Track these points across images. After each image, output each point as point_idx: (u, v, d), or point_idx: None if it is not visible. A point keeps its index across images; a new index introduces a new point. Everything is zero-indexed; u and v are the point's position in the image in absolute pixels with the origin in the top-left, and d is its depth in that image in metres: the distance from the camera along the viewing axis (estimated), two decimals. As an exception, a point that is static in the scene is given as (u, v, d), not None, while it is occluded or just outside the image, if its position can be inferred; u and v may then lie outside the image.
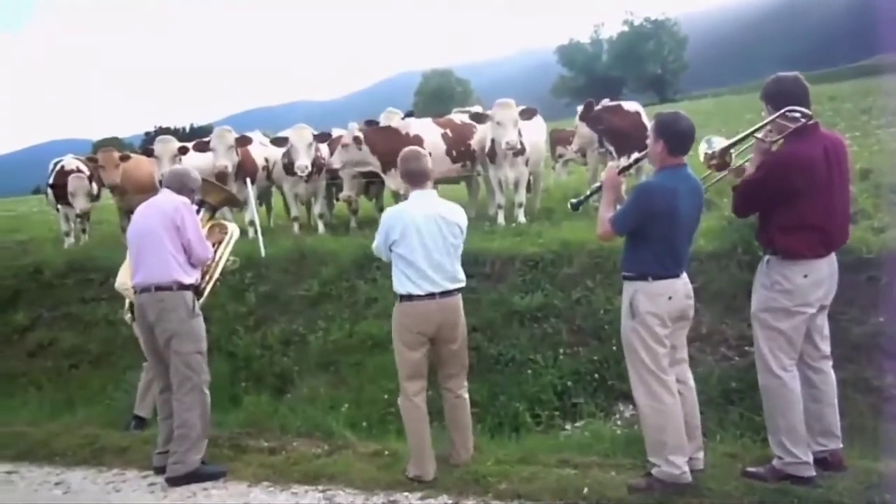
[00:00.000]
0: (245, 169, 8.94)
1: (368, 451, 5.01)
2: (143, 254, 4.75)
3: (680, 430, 3.96)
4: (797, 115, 3.86)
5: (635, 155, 4.65)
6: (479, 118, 8.23)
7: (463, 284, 4.58)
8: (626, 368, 4.23)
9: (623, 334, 4.10)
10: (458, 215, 4.56)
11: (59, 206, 10.21)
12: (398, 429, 5.31)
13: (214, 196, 5.51)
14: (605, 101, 8.72)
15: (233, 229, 5.62)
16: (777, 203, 3.92)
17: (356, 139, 8.13)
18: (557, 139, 12.91)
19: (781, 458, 3.95)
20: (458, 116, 9.41)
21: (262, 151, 9.62)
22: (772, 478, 3.96)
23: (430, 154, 8.32)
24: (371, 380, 6.14)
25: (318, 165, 8.83)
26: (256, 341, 6.99)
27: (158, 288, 4.68)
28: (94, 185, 10.00)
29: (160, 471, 4.86)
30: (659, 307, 3.93)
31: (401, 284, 4.45)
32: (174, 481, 4.71)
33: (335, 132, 9.36)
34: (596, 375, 5.71)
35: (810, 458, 3.93)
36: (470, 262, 6.78)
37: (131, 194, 9.46)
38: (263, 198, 10.45)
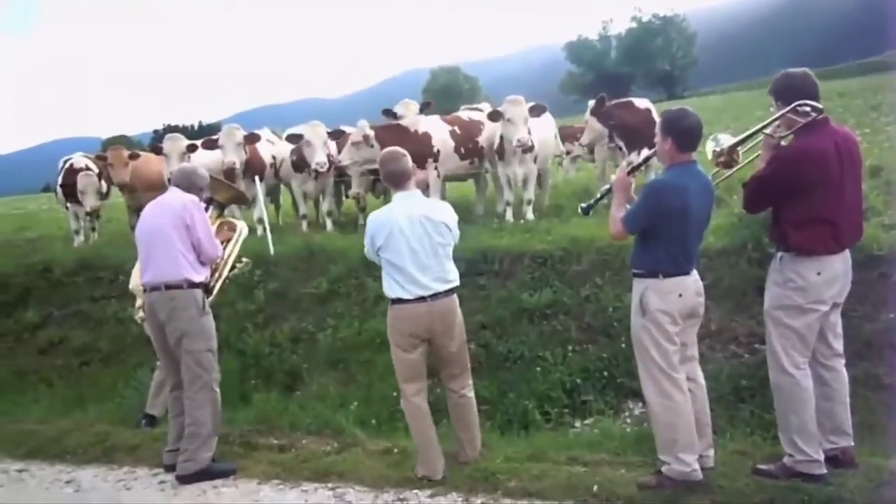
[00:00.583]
0: (253, 166, 8.97)
1: (378, 449, 5.01)
2: (153, 252, 4.76)
3: (690, 427, 3.95)
4: (807, 109, 3.83)
5: (645, 153, 4.64)
6: (494, 116, 8.18)
7: (455, 284, 4.49)
8: (635, 366, 4.22)
9: (633, 332, 4.08)
10: (445, 214, 4.48)
11: (69, 205, 10.27)
12: (407, 426, 5.32)
13: (223, 194, 5.52)
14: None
15: (241, 227, 5.63)
16: (788, 197, 3.89)
17: (366, 137, 8.12)
18: (565, 136, 12.88)
19: (792, 455, 3.94)
20: (466, 113, 9.41)
21: (270, 149, 9.64)
22: (783, 475, 3.94)
23: (439, 151, 8.41)
24: (380, 377, 6.14)
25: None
26: (266, 339, 7.01)
27: (168, 286, 4.69)
28: (104, 184, 10.05)
29: (171, 468, 4.87)
30: (669, 304, 3.91)
31: (390, 288, 4.42)
32: (185, 479, 4.72)
33: (346, 130, 9.38)
34: (605, 373, 5.70)
35: (821, 456, 3.92)
36: (478, 259, 6.81)
37: (140, 192, 9.51)
38: (272, 195, 10.46)
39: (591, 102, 8.82)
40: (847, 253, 3.98)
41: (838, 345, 4.06)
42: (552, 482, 4.24)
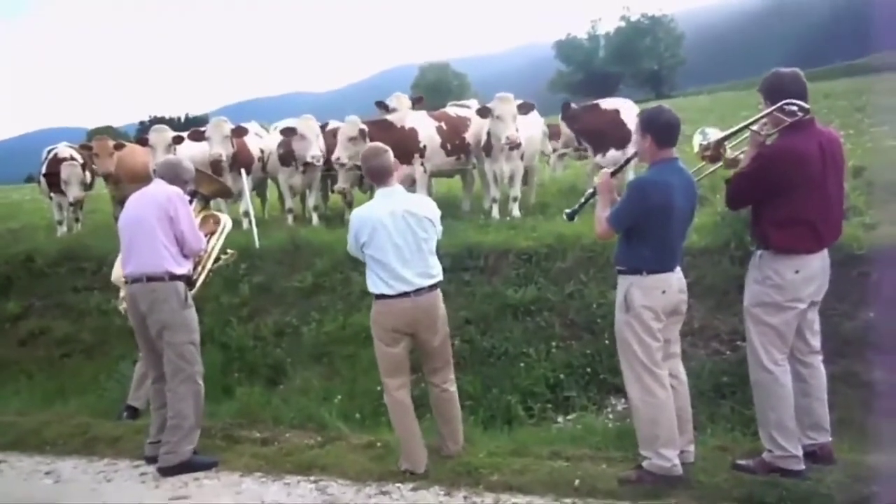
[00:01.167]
0: (241, 160, 8.93)
1: (361, 443, 5.01)
2: (135, 244, 4.73)
3: (672, 423, 3.99)
4: (794, 108, 3.86)
5: (627, 154, 4.69)
6: (483, 112, 8.17)
7: (438, 280, 4.50)
8: (618, 362, 4.25)
9: (617, 328, 4.11)
10: (428, 209, 4.48)
11: (52, 195, 10.18)
12: (390, 421, 5.33)
13: (207, 187, 5.50)
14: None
15: (225, 220, 5.61)
16: (770, 196, 3.92)
17: (361, 131, 8.09)
18: (552, 134, 12.95)
19: (771, 451, 3.98)
20: (453, 109, 9.41)
21: (258, 142, 9.60)
22: (761, 470, 3.99)
23: (426, 147, 8.41)
24: (364, 372, 6.14)
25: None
26: (250, 332, 6.99)
27: (150, 278, 4.66)
28: (88, 174, 9.97)
29: (152, 460, 4.85)
30: (653, 301, 3.94)
31: (374, 285, 4.42)
32: (166, 471, 4.71)
33: (332, 124, 9.35)
34: (588, 369, 5.74)
35: (800, 452, 3.96)
36: (464, 255, 6.82)
37: (125, 183, 9.43)
38: (259, 189, 10.42)
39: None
40: (825, 252, 4.02)
41: (816, 342, 4.11)
42: (534, 477, 4.27)
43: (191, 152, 8.60)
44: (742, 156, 4.12)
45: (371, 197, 9.52)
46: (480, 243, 6.99)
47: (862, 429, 4.58)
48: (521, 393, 5.66)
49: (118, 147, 9.68)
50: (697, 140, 4.11)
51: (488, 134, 8.27)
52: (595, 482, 4.12)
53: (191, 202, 5.04)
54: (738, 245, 5.95)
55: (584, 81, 60.75)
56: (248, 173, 8.83)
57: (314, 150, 8.47)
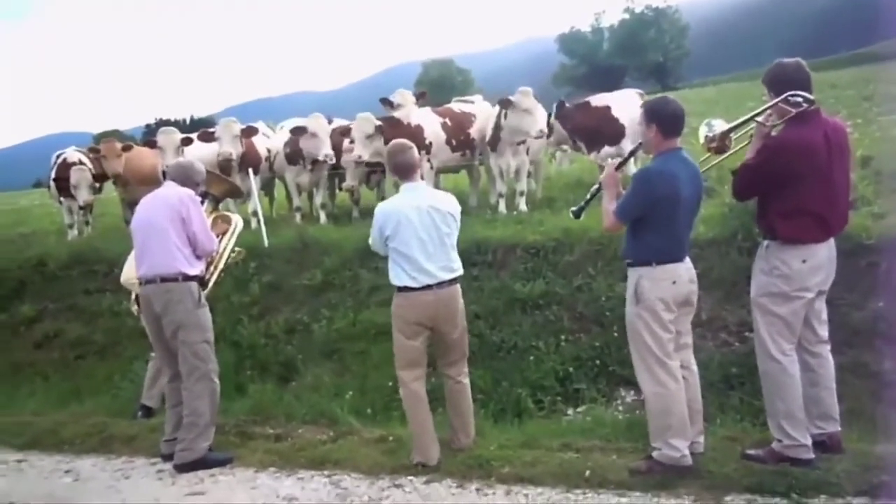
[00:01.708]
0: (249, 160, 9.00)
1: (373, 437, 5.07)
2: (148, 245, 4.79)
3: (683, 414, 4.01)
4: (799, 99, 3.87)
5: (622, 149, 4.71)
6: (505, 104, 8.06)
7: (459, 273, 4.59)
8: (627, 354, 4.28)
9: (628, 320, 4.13)
10: (451, 204, 4.57)
11: (62, 199, 10.27)
12: (402, 415, 5.37)
13: (218, 187, 5.55)
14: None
15: (236, 220, 5.67)
16: (777, 187, 3.94)
17: (379, 128, 8.13)
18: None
19: (780, 440, 4.00)
20: (458, 105, 9.44)
21: (265, 142, 9.67)
22: (771, 460, 4.01)
23: (431, 143, 8.44)
24: (375, 367, 6.21)
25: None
26: (261, 330, 7.06)
27: (164, 279, 4.72)
28: (94, 180, 10.03)
29: (168, 458, 4.93)
30: (664, 292, 3.96)
31: (397, 278, 4.48)
32: (182, 468, 4.78)
33: (336, 122, 9.41)
34: (597, 361, 5.77)
35: (809, 441, 3.98)
36: (472, 250, 6.86)
37: (134, 186, 9.51)
38: (266, 188, 10.49)
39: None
40: (832, 241, 4.03)
41: (823, 331, 4.12)
42: (545, 468, 4.31)
43: (199, 153, 8.67)
44: (748, 148, 4.14)
45: (378, 194, 9.63)
46: (488, 238, 7.03)
47: (871, 418, 4.60)
48: (531, 386, 5.70)
49: (126, 149, 9.76)
50: (703, 132, 4.13)
51: (494, 129, 8.29)
52: (605, 473, 4.16)
53: (202, 203, 5.09)
54: (746, 236, 5.96)
55: (588, 75, 60.55)
56: (255, 173, 8.90)
57: (327, 148, 8.54)
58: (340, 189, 10.59)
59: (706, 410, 4.49)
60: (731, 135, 4.14)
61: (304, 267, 7.60)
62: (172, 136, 8.93)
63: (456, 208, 4.58)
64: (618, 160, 4.59)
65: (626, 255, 4.18)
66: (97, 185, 10.21)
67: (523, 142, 8.19)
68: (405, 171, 4.56)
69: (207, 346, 4.87)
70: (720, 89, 29.91)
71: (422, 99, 8.96)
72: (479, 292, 6.54)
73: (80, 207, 10.03)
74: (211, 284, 5.28)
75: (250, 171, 8.77)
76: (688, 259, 4.11)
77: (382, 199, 9.72)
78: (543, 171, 10.01)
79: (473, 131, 8.91)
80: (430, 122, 8.59)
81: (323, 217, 9.18)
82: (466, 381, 4.77)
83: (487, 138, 8.47)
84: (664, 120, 4.02)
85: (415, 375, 4.57)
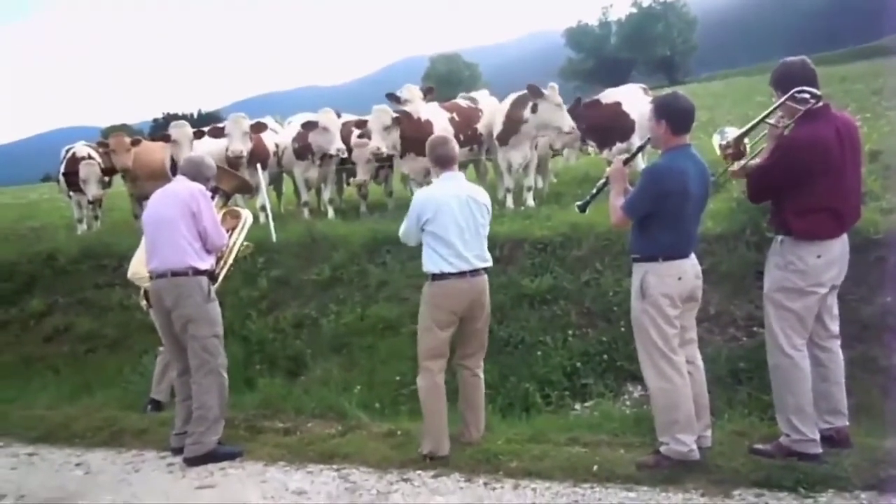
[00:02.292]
0: (257, 155, 9.01)
1: (381, 431, 5.10)
2: (159, 240, 4.83)
3: (689, 409, 4.02)
4: (806, 96, 3.87)
5: (632, 144, 4.71)
6: (536, 92, 7.96)
7: (490, 264, 4.69)
8: (634, 349, 4.29)
9: (633, 316, 4.15)
10: (486, 197, 4.71)
11: (72, 194, 10.34)
12: (410, 409, 5.41)
13: (228, 183, 5.58)
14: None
15: (246, 215, 5.69)
16: (791, 186, 3.93)
17: (396, 120, 8.14)
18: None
19: (789, 435, 4.01)
20: (464, 101, 9.44)
21: (272, 137, 9.68)
22: (779, 454, 4.02)
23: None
24: (383, 362, 6.24)
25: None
26: (269, 325, 7.09)
27: (174, 273, 4.76)
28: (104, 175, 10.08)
29: (178, 451, 4.96)
30: (669, 287, 3.98)
31: (433, 263, 4.53)
32: (192, 461, 4.81)
33: (344, 117, 9.43)
34: (605, 356, 5.78)
35: (817, 436, 3.98)
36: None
37: (143, 180, 9.57)
38: (274, 183, 10.51)
39: None
40: (845, 236, 4.03)
41: (834, 326, 4.13)
42: (553, 463, 4.33)
43: (207, 149, 8.70)
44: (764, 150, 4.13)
45: (385, 188, 9.62)
46: (495, 233, 6.99)
47: (879, 413, 4.61)
48: (539, 381, 5.72)
49: (135, 143, 9.81)
50: (717, 141, 4.14)
51: (503, 123, 8.28)
52: (613, 467, 4.18)
53: (212, 198, 5.12)
54: (754, 231, 5.96)
55: (595, 69, 60.42)
56: (264, 168, 8.91)
57: (338, 142, 8.56)
58: (348, 184, 10.63)
59: (714, 405, 4.51)
60: (745, 139, 4.13)
61: (312, 262, 7.62)
62: (186, 130, 8.94)
63: (489, 202, 4.72)
64: (625, 155, 4.60)
65: (632, 250, 4.19)
66: (106, 179, 10.26)
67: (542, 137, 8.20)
68: (446, 162, 4.66)
69: (217, 341, 4.90)
70: (728, 83, 29.78)
71: (429, 94, 8.96)
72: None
73: (90, 202, 10.08)
74: (221, 279, 5.31)
75: (258, 166, 8.79)
76: (693, 255, 4.11)
77: (390, 193, 9.77)
78: (551, 166, 9.98)
79: (481, 126, 8.91)
80: (439, 117, 8.59)
81: (331, 212, 9.20)
82: (482, 374, 4.83)
83: (496, 133, 8.45)
84: (674, 116, 4.02)
85: (440, 366, 4.62)
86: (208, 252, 4.91)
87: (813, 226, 3.92)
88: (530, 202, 8.29)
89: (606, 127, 8.62)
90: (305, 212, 9.34)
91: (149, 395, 6.07)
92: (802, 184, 3.90)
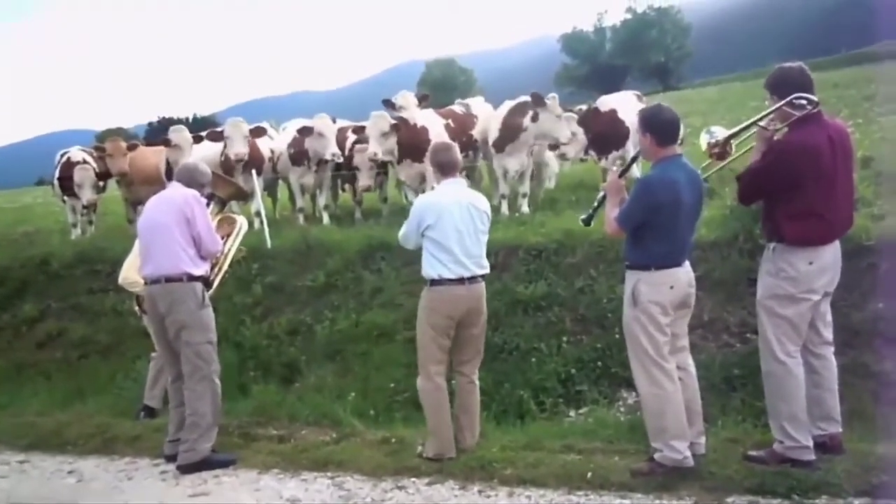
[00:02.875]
0: (252, 160, 8.99)
1: (376, 439, 5.09)
2: (154, 246, 4.83)
3: (680, 415, 4.03)
4: (803, 102, 3.89)
5: (629, 153, 4.75)
6: (538, 101, 8.00)
7: (488, 271, 4.75)
8: (628, 356, 4.30)
9: (625, 322, 4.17)
10: (486, 204, 4.76)
11: (66, 198, 10.29)
12: (405, 416, 5.41)
13: (223, 189, 5.58)
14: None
15: (241, 222, 5.69)
16: (782, 190, 3.96)
17: (394, 126, 8.14)
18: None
19: (782, 442, 4.02)
20: (459, 107, 9.45)
21: (267, 143, 9.67)
22: (772, 461, 4.03)
23: (434, 145, 8.44)
24: (377, 369, 6.22)
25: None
26: (263, 331, 7.07)
27: (168, 279, 4.76)
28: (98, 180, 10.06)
29: (171, 459, 4.95)
30: (660, 296, 4.00)
31: (432, 268, 4.57)
32: (186, 469, 4.80)
33: (339, 122, 9.43)
34: (599, 363, 5.78)
35: (810, 443, 4.00)
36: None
37: (137, 185, 9.54)
38: (269, 189, 10.50)
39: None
40: (837, 243, 4.06)
41: (828, 333, 4.15)
42: (547, 470, 4.33)
43: (203, 153, 8.71)
44: (751, 152, 4.16)
45: (380, 195, 9.61)
46: (491, 240, 6.93)
47: (871, 419, 4.62)
48: (533, 388, 5.72)
49: (131, 147, 9.79)
50: (705, 139, 4.17)
51: (500, 130, 8.29)
52: (607, 474, 4.19)
53: (207, 205, 5.12)
54: (747, 238, 5.98)
55: (590, 75, 60.49)
56: (259, 174, 8.90)
57: (333, 147, 8.57)
58: (343, 190, 10.62)
59: (707, 411, 4.52)
60: (733, 140, 4.16)
61: (306, 268, 7.61)
62: (186, 134, 9.01)
63: (489, 208, 4.78)
64: (620, 168, 4.63)
65: (626, 258, 4.23)
66: (101, 184, 10.23)
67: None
68: (448, 168, 4.72)
69: (210, 347, 4.89)
70: (722, 89, 29.87)
71: (424, 101, 8.97)
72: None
73: (84, 207, 10.04)
74: (216, 285, 5.30)
75: (253, 171, 8.78)
76: (687, 263, 4.13)
77: (384, 199, 9.77)
78: (546, 172, 9.98)
79: (476, 132, 8.92)
80: (434, 124, 8.59)
81: (326, 218, 9.19)
82: (478, 381, 4.86)
83: (491, 140, 8.46)
84: (658, 128, 4.06)
85: (440, 369, 4.66)
86: (203, 258, 4.91)
87: (804, 232, 3.94)
88: (525, 209, 8.30)
89: (604, 134, 8.64)
90: (300, 218, 9.33)
91: (142, 402, 6.04)
92: (794, 188, 3.91)
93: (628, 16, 64.12)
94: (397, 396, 5.85)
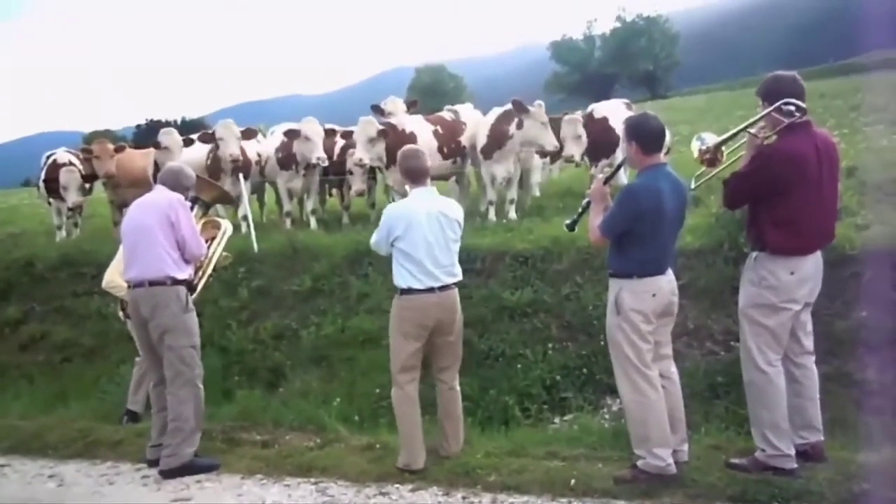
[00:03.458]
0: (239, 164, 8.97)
1: (360, 445, 5.08)
2: (137, 249, 4.79)
3: (663, 423, 4.05)
4: (791, 108, 3.91)
5: (617, 161, 4.76)
6: (520, 108, 8.00)
7: (460, 279, 4.71)
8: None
9: (608, 330, 4.19)
10: (458, 212, 4.70)
11: (52, 200, 10.21)
12: (389, 422, 5.38)
13: (208, 193, 5.56)
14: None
15: (226, 226, 5.67)
16: (767, 197, 3.98)
17: (382, 132, 8.13)
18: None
19: (764, 450, 4.04)
20: (448, 113, 9.46)
21: (255, 146, 9.65)
22: (755, 469, 4.05)
23: (424, 151, 8.44)
24: (363, 374, 6.21)
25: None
26: (249, 336, 7.04)
27: (152, 283, 4.73)
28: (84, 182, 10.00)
29: (154, 463, 4.91)
30: (643, 304, 4.01)
31: (402, 279, 4.55)
32: (168, 474, 4.76)
33: (328, 126, 9.42)
34: (584, 370, 5.80)
35: (792, 451, 4.03)
36: (461, 257, 6.76)
37: (124, 188, 9.49)
38: (256, 193, 10.47)
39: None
40: (819, 253, 4.09)
41: (809, 342, 4.18)
42: (531, 476, 4.34)
43: (190, 156, 8.69)
44: (741, 159, 4.19)
45: (368, 199, 9.58)
46: (477, 246, 7.04)
47: (853, 427, 4.65)
48: (518, 394, 5.72)
49: (119, 150, 9.72)
50: (696, 146, 4.18)
51: (487, 137, 8.32)
52: (591, 482, 4.19)
53: (192, 208, 5.10)
54: (732, 246, 6.02)
55: (579, 82, 60.72)
56: (246, 178, 8.88)
57: (319, 151, 8.57)
58: (331, 195, 10.61)
59: (691, 419, 4.55)
60: (724, 147, 4.19)
61: (293, 272, 7.59)
62: (176, 137, 9.03)
63: (461, 216, 4.72)
64: (605, 174, 4.64)
65: (609, 266, 4.23)
66: (87, 186, 10.16)
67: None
68: (417, 176, 4.67)
69: (193, 351, 4.87)
70: (710, 98, 30.11)
71: (413, 107, 8.97)
72: (468, 300, 6.52)
73: (69, 209, 9.97)
74: (199, 289, 5.28)
75: (241, 175, 8.75)
76: (670, 271, 4.15)
77: (372, 204, 9.76)
78: (534, 179, 10.00)
79: (464, 139, 8.94)
80: (423, 130, 8.60)
81: (313, 222, 9.18)
82: (458, 387, 4.83)
83: (479, 146, 8.48)
84: (643, 137, 4.08)
85: (410, 378, 4.62)
86: (186, 262, 4.89)
87: (786, 241, 3.96)
88: (512, 215, 8.32)
89: (597, 142, 8.67)
90: (288, 222, 9.31)
91: (125, 406, 6.00)
92: (778, 195, 3.93)
93: (617, 24, 64.48)
94: (382, 402, 5.82)
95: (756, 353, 4.05)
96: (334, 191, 10.50)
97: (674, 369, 4.30)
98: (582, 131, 8.40)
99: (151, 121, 53.60)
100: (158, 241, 4.72)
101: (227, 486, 4.64)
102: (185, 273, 4.85)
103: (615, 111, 9.00)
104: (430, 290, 4.51)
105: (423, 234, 4.48)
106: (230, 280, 7.50)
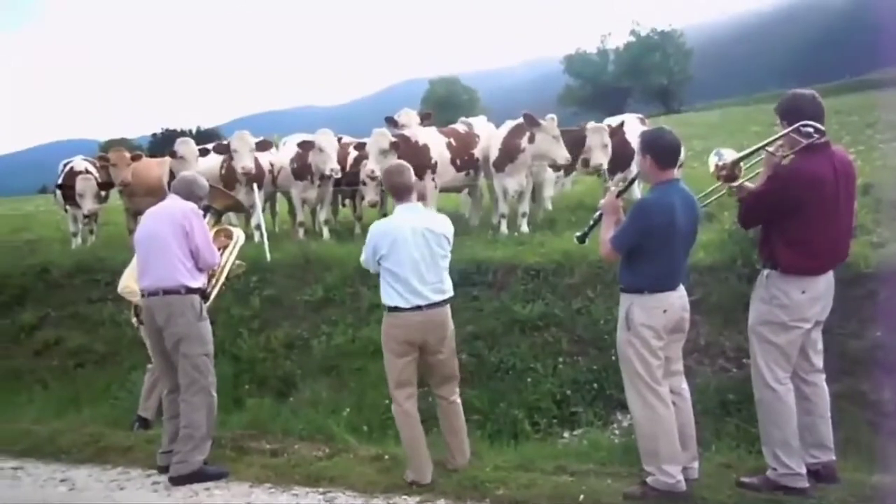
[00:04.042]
0: (253, 174, 9.04)
1: (369, 455, 5.08)
2: (151, 258, 4.85)
3: (673, 439, 4.03)
4: (810, 129, 3.90)
5: (630, 175, 4.75)
6: (531, 122, 8.06)
7: (449, 295, 4.64)
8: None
9: (619, 345, 4.18)
10: (446, 226, 4.64)
11: (68, 207, 10.32)
12: (398, 434, 5.38)
13: (220, 202, 5.62)
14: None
15: (238, 234, 5.72)
16: (783, 216, 3.97)
17: (394, 144, 8.18)
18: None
19: (775, 469, 4.02)
20: (461, 126, 9.50)
21: (268, 157, 9.72)
22: (765, 488, 4.02)
23: (437, 163, 8.49)
24: (372, 385, 6.21)
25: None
26: (260, 345, 7.07)
27: (166, 292, 4.77)
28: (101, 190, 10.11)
29: (164, 470, 4.94)
30: (654, 320, 4.00)
31: (388, 297, 4.54)
32: (177, 480, 4.79)
33: (344, 139, 9.49)
34: (595, 385, 5.78)
35: (804, 470, 4.00)
36: (472, 270, 6.89)
37: (140, 196, 9.57)
38: (269, 203, 10.53)
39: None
40: (831, 273, 4.07)
41: (818, 360, 4.15)
42: (539, 491, 4.32)
43: (204, 166, 8.77)
44: (749, 183, 4.18)
45: (380, 211, 9.64)
46: (489, 259, 7.05)
47: (868, 448, 4.61)
48: (528, 408, 5.71)
49: (135, 158, 9.84)
50: (713, 161, 4.18)
51: (500, 150, 8.35)
52: (600, 497, 4.17)
53: (204, 217, 5.14)
54: (745, 263, 5.98)
55: (593, 96, 60.76)
56: (259, 188, 8.95)
57: (333, 163, 8.61)
58: (344, 205, 10.66)
59: (702, 436, 4.52)
60: (742, 164, 4.18)
61: (305, 282, 7.62)
62: (192, 146, 9.12)
63: (449, 230, 4.64)
64: (618, 187, 4.64)
65: (620, 281, 4.23)
66: (103, 194, 10.27)
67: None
68: (401, 192, 4.64)
69: (207, 360, 4.91)
70: (724, 113, 29.97)
71: (427, 120, 9.01)
72: (479, 313, 6.56)
73: (85, 216, 10.07)
74: (212, 297, 5.32)
75: (255, 185, 8.82)
76: (681, 287, 4.14)
77: (384, 215, 9.79)
78: (546, 192, 10.01)
79: (477, 151, 8.97)
80: (436, 142, 8.65)
81: (326, 233, 9.21)
82: (458, 400, 4.81)
83: (492, 159, 8.51)
84: (659, 152, 4.08)
85: (406, 394, 4.61)
86: (200, 270, 4.93)
87: (799, 261, 3.95)
88: (524, 228, 8.32)
89: (615, 155, 8.66)
90: (301, 232, 9.35)
91: (136, 413, 6.04)
92: (794, 216, 3.92)
93: (632, 38, 64.48)
94: (391, 413, 5.82)
95: (765, 371, 4.03)
96: (347, 201, 10.53)
97: (685, 386, 4.28)
98: (608, 140, 8.42)
99: (167, 130, 54.08)
100: (172, 251, 4.77)
101: (236, 494, 4.65)
102: (198, 282, 4.90)
103: (632, 125, 9.04)
104: (417, 308, 4.48)
105: (409, 252, 4.45)
106: (242, 289, 7.54)
